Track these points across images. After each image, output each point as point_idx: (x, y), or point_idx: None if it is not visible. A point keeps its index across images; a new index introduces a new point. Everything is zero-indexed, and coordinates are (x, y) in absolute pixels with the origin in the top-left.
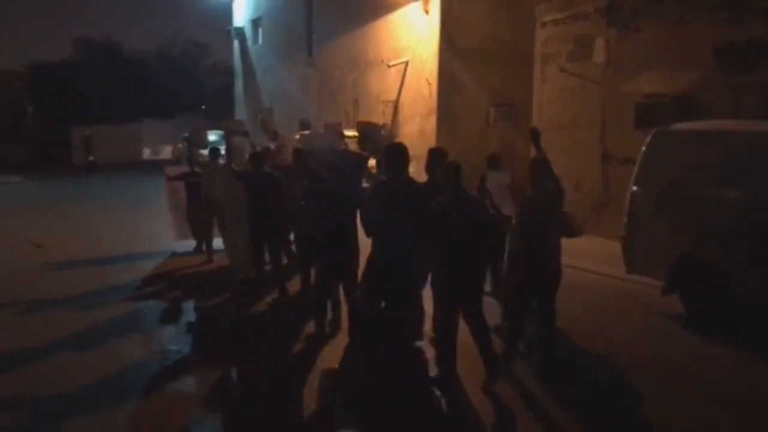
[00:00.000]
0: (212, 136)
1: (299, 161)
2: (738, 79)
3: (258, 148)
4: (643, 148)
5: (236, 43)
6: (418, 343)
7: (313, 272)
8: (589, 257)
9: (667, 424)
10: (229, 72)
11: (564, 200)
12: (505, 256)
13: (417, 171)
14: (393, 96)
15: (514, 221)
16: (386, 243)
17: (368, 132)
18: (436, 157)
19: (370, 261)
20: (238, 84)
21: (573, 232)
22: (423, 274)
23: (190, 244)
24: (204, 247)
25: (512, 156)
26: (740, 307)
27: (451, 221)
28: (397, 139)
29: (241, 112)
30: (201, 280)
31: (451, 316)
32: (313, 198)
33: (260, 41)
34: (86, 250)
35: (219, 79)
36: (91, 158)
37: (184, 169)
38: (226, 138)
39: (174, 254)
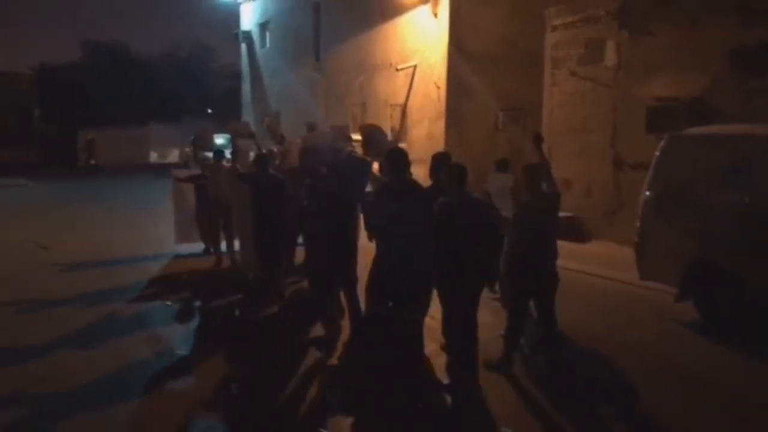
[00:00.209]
0: (219, 140)
1: (303, 161)
2: (751, 83)
3: (264, 151)
4: (657, 153)
5: (244, 47)
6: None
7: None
8: (600, 263)
9: (675, 428)
10: (237, 76)
11: (560, 203)
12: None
13: (425, 175)
14: (401, 100)
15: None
16: (389, 245)
17: (372, 135)
18: (440, 161)
19: (374, 263)
20: (245, 88)
21: (581, 237)
22: (426, 276)
23: (191, 246)
24: (212, 250)
25: (520, 160)
26: (756, 313)
27: (455, 223)
28: (405, 144)
29: (248, 116)
30: (207, 281)
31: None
32: (314, 198)
33: (268, 45)
34: (91, 252)
35: (226, 83)
36: (92, 161)
37: (194, 171)
38: (232, 141)
39: (177, 256)
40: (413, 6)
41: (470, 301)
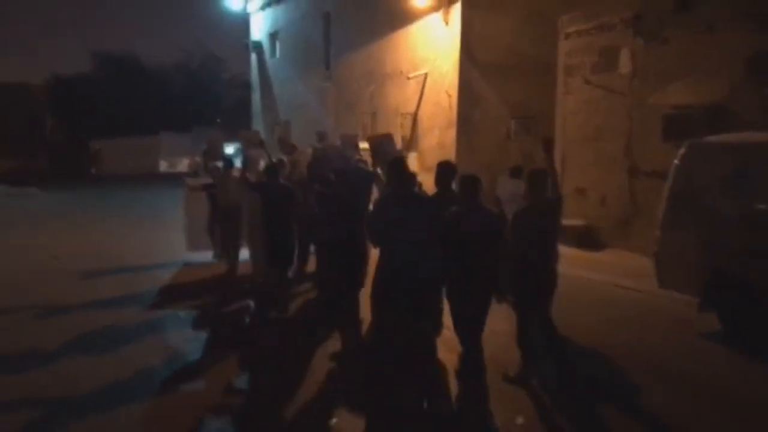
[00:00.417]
0: (229, 149)
1: (313, 171)
2: None
3: (274, 160)
4: (676, 162)
5: (254, 57)
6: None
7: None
8: (615, 271)
9: None
10: (247, 85)
11: (563, 206)
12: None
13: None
14: (412, 108)
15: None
16: (392, 251)
17: (380, 146)
18: (445, 170)
19: (377, 270)
20: (256, 97)
21: (596, 246)
22: (434, 283)
23: (202, 255)
24: (226, 258)
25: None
26: None
27: (463, 231)
28: (416, 152)
29: (258, 125)
30: (218, 288)
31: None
32: (324, 205)
33: (278, 55)
34: (102, 260)
35: (236, 93)
36: (92, 170)
37: (207, 180)
38: (243, 150)
39: (187, 264)
40: (424, 14)
41: (478, 307)
